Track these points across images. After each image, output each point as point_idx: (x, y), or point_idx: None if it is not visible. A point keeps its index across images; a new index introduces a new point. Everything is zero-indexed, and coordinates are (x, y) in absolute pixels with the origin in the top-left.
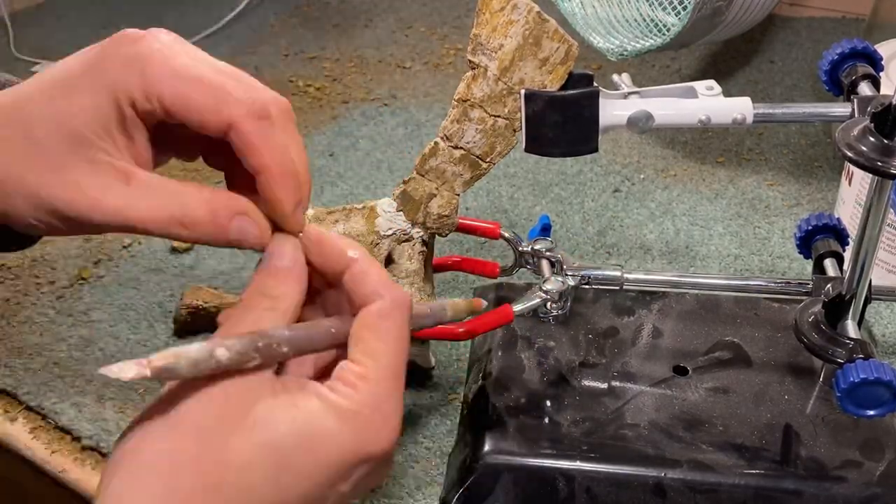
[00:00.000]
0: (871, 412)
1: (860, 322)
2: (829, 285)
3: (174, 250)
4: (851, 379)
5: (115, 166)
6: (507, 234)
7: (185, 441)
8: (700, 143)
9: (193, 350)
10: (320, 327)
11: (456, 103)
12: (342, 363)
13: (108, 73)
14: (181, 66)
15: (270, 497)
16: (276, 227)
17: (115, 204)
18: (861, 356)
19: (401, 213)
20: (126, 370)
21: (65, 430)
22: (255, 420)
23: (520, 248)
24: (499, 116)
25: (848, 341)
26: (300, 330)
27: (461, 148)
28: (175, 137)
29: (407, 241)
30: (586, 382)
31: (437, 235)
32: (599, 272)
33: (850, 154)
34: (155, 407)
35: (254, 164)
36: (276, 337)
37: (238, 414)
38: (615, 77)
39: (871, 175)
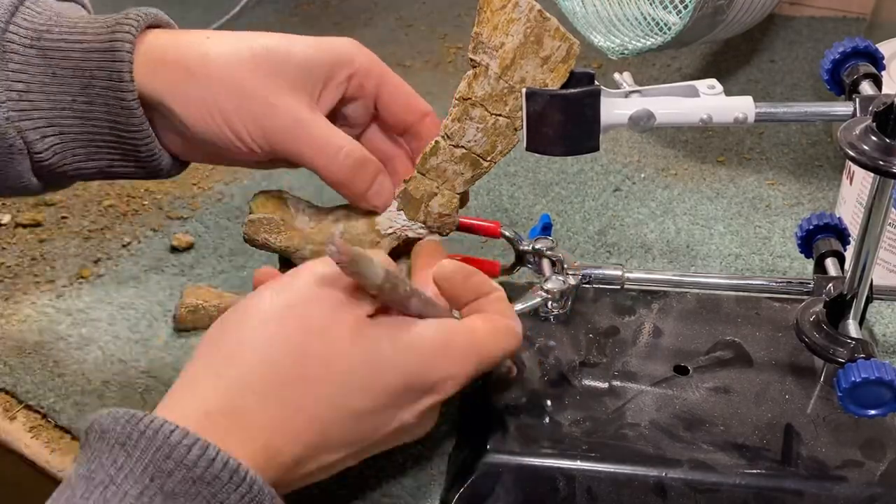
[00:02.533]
0: (873, 412)
1: (861, 322)
2: (830, 285)
3: (174, 249)
4: (853, 378)
5: (307, 100)
6: (507, 233)
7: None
8: (701, 142)
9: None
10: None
11: (457, 102)
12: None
13: (343, 47)
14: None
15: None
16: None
17: (298, 115)
18: (862, 356)
19: (401, 212)
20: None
21: (64, 430)
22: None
23: (520, 247)
24: (500, 115)
25: (849, 341)
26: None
27: (462, 147)
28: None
29: (407, 240)
30: (587, 382)
31: (437, 234)
32: (600, 271)
33: (851, 153)
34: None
35: (423, 107)
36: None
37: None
38: (616, 76)
39: (872, 174)
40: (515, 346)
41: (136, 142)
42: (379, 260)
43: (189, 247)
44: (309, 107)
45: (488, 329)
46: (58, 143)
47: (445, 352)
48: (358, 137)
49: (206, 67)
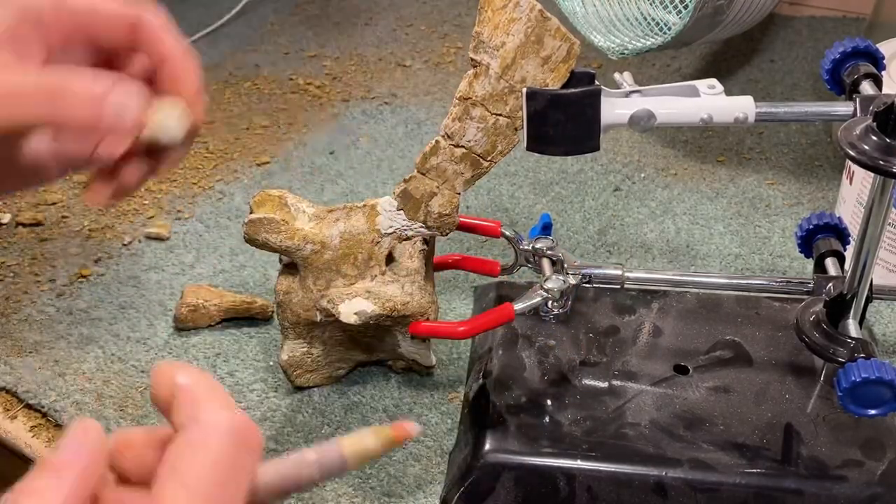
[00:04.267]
0: (873, 411)
1: (861, 321)
2: (830, 284)
3: (151, 237)
4: (853, 378)
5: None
6: (507, 233)
7: None
8: (701, 142)
9: None
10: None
11: (457, 101)
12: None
13: None
14: None
15: None
16: None
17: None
18: (862, 355)
19: (401, 211)
20: None
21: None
22: None
23: (520, 247)
24: (500, 115)
25: (849, 340)
26: None
27: (462, 146)
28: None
29: (407, 239)
30: (587, 381)
31: (437, 234)
32: (600, 271)
33: (852, 153)
34: None
35: (162, 50)
36: None
37: None
38: (617, 76)
39: (872, 174)
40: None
41: None
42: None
43: (168, 237)
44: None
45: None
46: None
47: None
48: None
49: None
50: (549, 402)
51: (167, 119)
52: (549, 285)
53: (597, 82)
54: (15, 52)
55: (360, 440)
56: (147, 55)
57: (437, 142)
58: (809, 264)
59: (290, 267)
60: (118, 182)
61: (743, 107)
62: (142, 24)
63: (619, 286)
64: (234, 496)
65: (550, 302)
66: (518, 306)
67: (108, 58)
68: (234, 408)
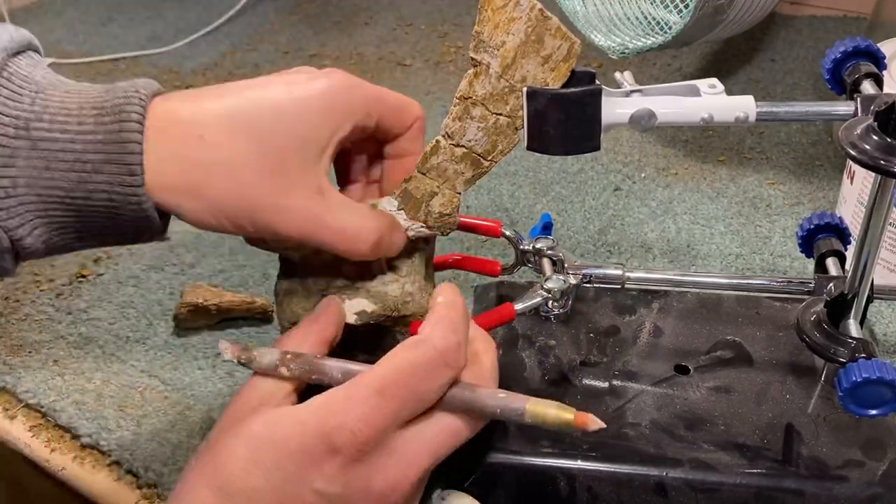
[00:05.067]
0: (874, 412)
1: (862, 321)
2: (831, 284)
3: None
4: (854, 378)
5: (316, 182)
6: (507, 233)
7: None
8: (701, 141)
9: (266, 357)
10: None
11: (457, 101)
12: None
13: (341, 98)
14: (378, 87)
15: (249, 488)
16: None
17: (311, 211)
18: (863, 355)
19: (401, 211)
20: (224, 351)
21: (64, 429)
22: (247, 426)
23: (521, 247)
24: (501, 114)
25: (850, 340)
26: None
27: (463, 146)
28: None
29: (408, 239)
30: (587, 381)
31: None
32: (601, 271)
33: (853, 153)
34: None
35: (419, 146)
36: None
37: (239, 428)
38: (617, 75)
39: (873, 174)
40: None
41: (140, 231)
42: (271, 347)
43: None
44: (319, 192)
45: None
46: (47, 235)
47: (329, 405)
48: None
49: (207, 178)
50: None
51: None
52: (549, 285)
53: (597, 82)
54: (329, 153)
55: (545, 407)
56: (405, 147)
57: (437, 141)
58: (810, 264)
59: (290, 267)
60: None
61: (744, 106)
62: (417, 122)
63: (619, 286)
64: (421, 395)
65: (551, 302)
66: (518, 306)
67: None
68: (459, 333)
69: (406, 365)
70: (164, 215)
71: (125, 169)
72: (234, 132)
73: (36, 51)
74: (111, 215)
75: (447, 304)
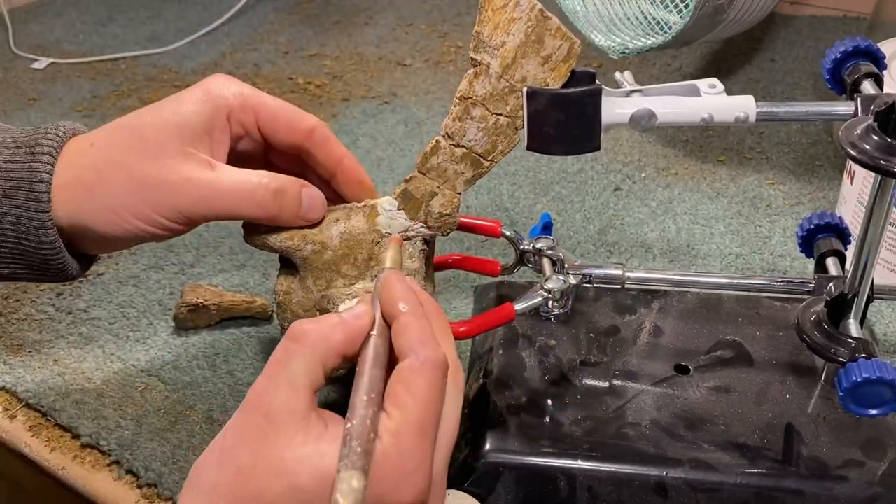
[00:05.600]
0: (874, 411)
1: (862, 321)
2: (831, 284)
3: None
4: (854, 378)
5: (203, 157)
6: (507, 233)
7: (226, 476)
8: (701, 141)
9: None
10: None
11: (457, 101)
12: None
13: (213, 89)
14: (264, 93)
15: None
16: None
17: (202, 178)
18: (863, 355)
19: (402, 211)
20: None
21: (64, 428)
22: (284, 466)
23: (521, 247)
24: (501, 114)
25: (850, 340)
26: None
27: (463, 146)
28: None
29: (408, 239)
30: (587, 381)
31: (438, 234)
32: (601, 271)
33: (853, 153)
34: (214, 441)
35: (337, 152)
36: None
37: (271, 457)
38: (617, 75)
39: (873, 174)
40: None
41: (46, 257)
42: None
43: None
44: (209, 164)
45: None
46: None
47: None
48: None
49: (99, 175)
50: (549, 401)
51: None
52: (549, 285)
53: (597, 82)
54: (211, 143)
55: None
56: (323, 156)
57: (437, 141)
58: (810, 264)
59: (290, 267)
60: None
61: (744, 106)
62: (317, 130)
63: (619, 286)
64: (440, 414)
65: (551, 302)
66: (518, 306)
67: (266, 156)
68: (440, 340)
69: (427, 396)
70: (84, 258)
71: (32, 196)
72: (117, 133)
73: None
74: (19, 240)
75: (413, 312)
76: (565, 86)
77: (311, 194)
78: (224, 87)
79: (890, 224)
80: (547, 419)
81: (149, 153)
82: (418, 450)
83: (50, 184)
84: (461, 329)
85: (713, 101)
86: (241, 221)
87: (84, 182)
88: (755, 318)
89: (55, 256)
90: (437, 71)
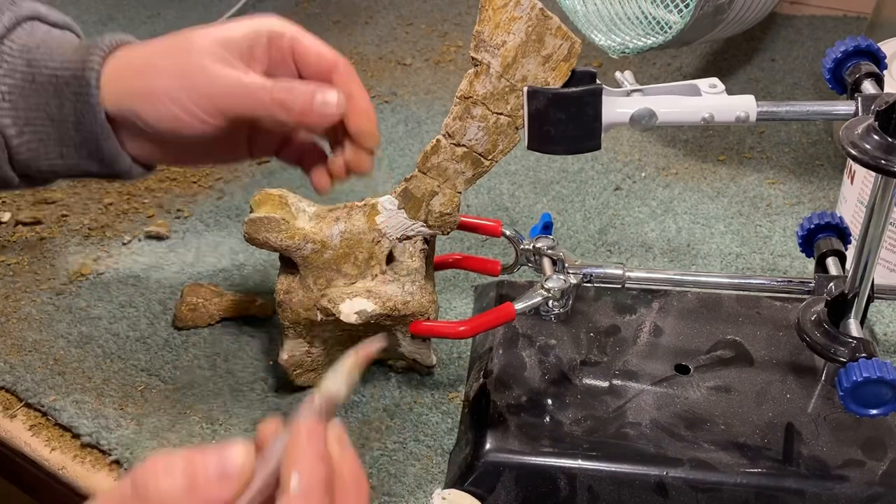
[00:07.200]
0: (874, 411)
1: (863, 321)
2: (831, 284)
3: (152, 237)
4: (854, 378)
5: (239, 64)
6: (508, 232)
7: None
8: (701, 141)
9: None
10: None
11: (458, 100)
12: None
13: (260, 18)
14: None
15: None
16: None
17: (233, 75)
18: (864, 355)
19: (402, 210)
20: None
21: (64, 428)
22: None
23: (521, 246)
24: (501, 114)
25: (850, 340)
26: None
27: (463, 145)
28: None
29: (408, 238)
30: (588, 381)
31: (438, 233)
32: (601, 270)
33: (853, 152)
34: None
35: (352, 88)
36: None
37: None
38: (618, 75)
39: (874, 173)
40: None
41: (99, 141)
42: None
43: (167, 236)
44: (243, 71)
45: None
46: (32, 141)
47: None
48: None
49: (147, 62)
50: (549, 401)
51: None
52: (549, 285)
53: (598, 81)
54: (251, 60)
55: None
56: (342, 88)
57: (437, 141)
58: (810, 264)
59: (291, 266)
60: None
61: (744, 106)
62: (340, 66)
63: (619, 285)
64: None
65: (551, 301)
66: (519, 306)
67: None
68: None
69: None
70: (145, 166)
71: (84, 81)
72: (169, 38)
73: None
74: (78, 125)
75: (304, 496)
76: (566, 85)
77: (326, 94)
78: (271, 18)
79: (890, 224)
80: (547, 419)
81: (194, 52)
82: None
83: (99, 72)
84: (461, 328)
85: (713, 101)
86: (244, 218)
87: (134, 66)
88: (755, 318)
89: (107, 139)
90: (437, 70)
